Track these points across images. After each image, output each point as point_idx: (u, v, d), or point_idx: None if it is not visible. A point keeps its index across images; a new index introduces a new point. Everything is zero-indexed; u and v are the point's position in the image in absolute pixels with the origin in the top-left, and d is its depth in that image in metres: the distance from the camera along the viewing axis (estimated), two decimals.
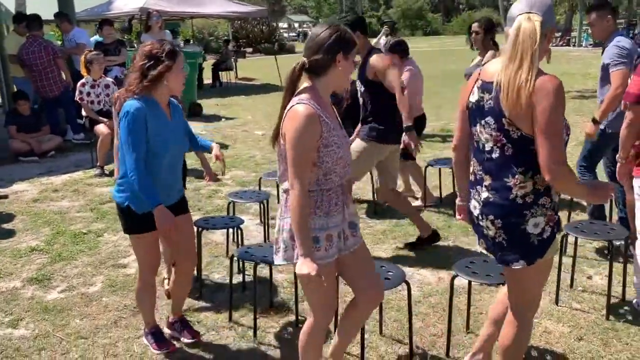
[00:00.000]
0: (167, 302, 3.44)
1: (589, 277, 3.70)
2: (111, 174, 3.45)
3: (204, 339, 3.09)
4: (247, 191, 4.89)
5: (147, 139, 2.61)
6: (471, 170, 2.30)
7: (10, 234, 4.82)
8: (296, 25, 63.60)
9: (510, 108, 2.01)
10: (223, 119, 10.52)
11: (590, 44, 26.43)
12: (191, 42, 20.29)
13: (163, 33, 8.67)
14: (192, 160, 4.64)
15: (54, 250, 4.43)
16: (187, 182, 4.44)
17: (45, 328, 3.26)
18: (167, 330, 3.11)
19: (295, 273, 3.23)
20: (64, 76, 8.20)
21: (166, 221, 2.64)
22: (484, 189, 2.19)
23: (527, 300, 2.31)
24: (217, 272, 3.97)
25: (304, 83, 2.22)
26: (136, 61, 2.66)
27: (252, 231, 4.72)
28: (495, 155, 2.13)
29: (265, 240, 4.40)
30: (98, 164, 6.67)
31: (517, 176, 2.10)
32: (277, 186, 5.12)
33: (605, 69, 3.83)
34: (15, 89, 8.27)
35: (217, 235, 4.52)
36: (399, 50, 5.13)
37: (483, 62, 4.83)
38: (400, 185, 5.56)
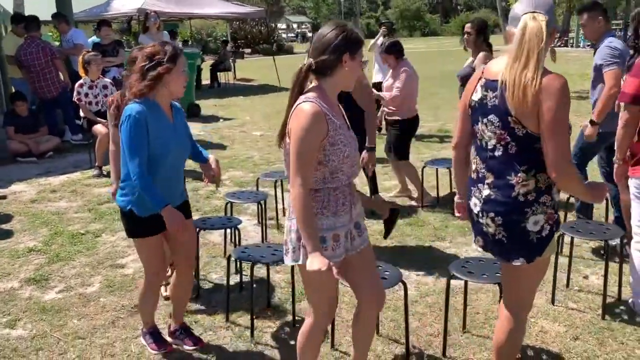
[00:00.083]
0: (163, 303, 3.45)
1: (585, 277, 3.72)
2: (109, 174, 3.45)
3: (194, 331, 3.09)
4: (244, 192, 4.91)
5: (148, 141, 2.60)
6: (473, 168, 2.31)
7: (8, 234, 4.82)
8: (294, 26, 63.64)
9: (516, 106, 2.03)
10: (221, 120, 10.53)
11: (588, 45, 26.45)
12: (189, 42, 20.32)
13: (161, 34, 8.67)
14: (189, 161, 4.64)
15: (51, 251, 4.43)
16: (185, 183, 4.45)
17: (43, 328, 3.27)
18: (168, 339, 3.08)
19: (292, 274, 3.25)
20: (62, 77, 8.21)
21: (175, 220, 2.63)
22: (485, 186, 2.21)
23: (523, 298, 2.33)
24: (214, 273, 3.97)
25: (311, 83, 2.22)
26: (137, 62, 2.65)
27: (250, 232, 4.73)
28: (498, 153, 2.15)
29: (262, 241, 4.41)
30: (96, 164, 6.67)
31: (519, 174, 2.12)
32: (275, 187, 5.15)
33: (597, 69, 3.87)
34: (13, 90, 8.28)
35: (215, 236, 4.53)
36: (395, 51, 5.15)
37: (474, 64, 4.85)
38: (396, 186, 5.58)
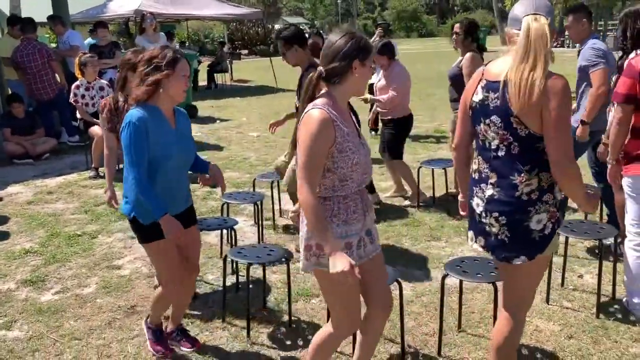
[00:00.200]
0: None
1: (580, 276, 3.74)
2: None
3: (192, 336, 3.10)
4: (241, 192, 4.91)
5: (149, 147, 2.56)
6: (475, 168, 2.33)
7: (4, 236, 4.82)
8: None
9: (520, 106, 2.05)
10: (218, 121, 10.54)
11: None
12: (187, 44, 20.32)
13: (158, 35, 8.68)
14: None
15: (48, 252, 4.43)
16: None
17: (39, 329, 3.27)
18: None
19: (287, 274, 3.26)
20: (58, 79, 8.21)
21: (173, 229, 2.60)
22: (489, 186, 2.22)
23: (522, 297, 2.34)
24: (210, 273, 3.98)
25: (322, 90, 2.22)
26: (138, 67, 2.65)
27: (246, 232, 4.74)
28: (501, 153, 2.17)
29: (259, 242, 4.42)
30: (93, 165, 6.68)
31: (523, 174, 2.14)
32: (272, 187, 5.16)
33: (581, 70, 3.95)
34: (10, 92, 8.27)
35: (212, 237, 4.54)
36: (387, 52, 5.18)
37: (461, 64, 4.88)
38: (391, 187, 5.59)
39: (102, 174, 6.43)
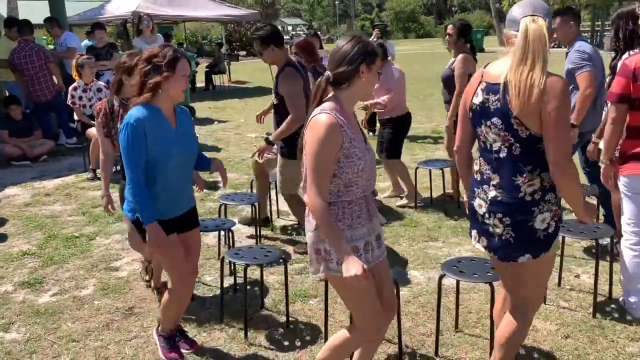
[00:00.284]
0: (157, 306, 3.46)
1: (577, 276, 3.75)
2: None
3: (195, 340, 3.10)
4: (238, 193, 4.92)
5: (147, 147, 2.55)
6: (476, 170, 2.35)
7: (2, 238, 4.82)
8: (289, 28, 63.68)
9: (520, 107, 2.07)
10: (216, 122, 10.54)
11: None
12: (184, 45, 20.33)
13: (155, 36, 8.69)
14: None
15: (45, 254, 4.43)
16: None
17: (37, 331, 3.27)
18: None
19: (285, 275, 3.27)
20: (56, 81, 8.20)
21: (156, 239, 2.58)
22: (491, 187, 2.24)
23: (528, 297, 2.35)
24: (208, 275, 3.98)
25: (330, 94, 2.23)
26: (138, 65, 2.62)
27: (244, 233, 4.74)
28: (503, 154, 2.19)
29: (256, 243, 4.43)
30: (90, 167, 6.67)
31: (525, 175, 2.16)
32: (269, 189, 5.16)
33: (568, 73, 3.98)
34: (7, 94, 8.26)
35: (209, 238, 4.54)
36: (380, 53, 5.20)
37: (453, 65, 4.91)
38: (388, 187, 5.60)
39: (99, 176, 6.41)
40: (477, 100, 2.24)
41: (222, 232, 4.28)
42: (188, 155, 2.75)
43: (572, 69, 3.93)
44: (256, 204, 4.41)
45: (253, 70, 20.76)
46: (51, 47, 11.37)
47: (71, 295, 3.73)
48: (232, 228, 3.93)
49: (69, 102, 6.81)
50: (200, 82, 16.38)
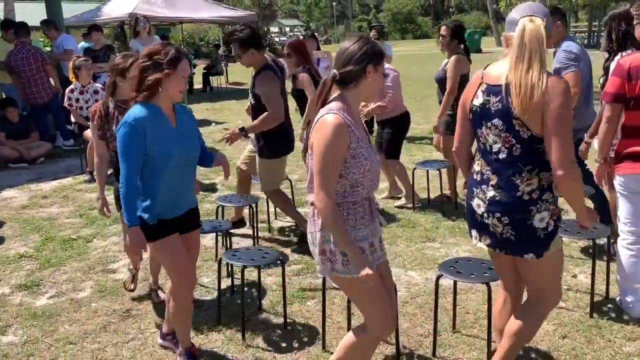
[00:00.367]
0: (155, 307, 3.46)
1: (574, 276, 3.75)
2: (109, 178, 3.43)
3: (192, 342, 3.09)
4: (236, 195, 4.91)
5: (147, 147, 2.51)
6: (476, 170, 2.36)
7: None
8: (287, 29, 63.70)
9: (522, 107, 2.09)
10: (213, 124, 10.53)
11: None
12: (182, 47, 20.32)
13: (152, 38, 8.67)
14: None
15: (43, 257, 4.42)
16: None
17: (34, 334, 3.27)
18: (160, 341, 3.08)
19: (282, 277, 3.26)
20: (52, 83, 8.19)
21: (135, 243, 2.55)
22: (490, 188, 2.26)
23: (542, 290, 2.37)
24: (206, 276, 3.98)
25: (333, 94, 2.23)
26: (138, 60, 2.56)
27: (241, 235, 4.73)
28: (502, 155, 2.21)
29: (254, 244, 4.42)
30: (88, 169, 6.66)
31: (523, 174, 2.18)
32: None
33: (556, 72, 4.00)
34: (4, 96, 8.25)
35: (207, 239, 4.54)
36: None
37: (446, 66, 4.95)
38: (386, 188, 5.60)
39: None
40: (478, 101, 2.25)
41: (220, 234, 4.28)
42: (189, 155, 2.71)
43: (558, 68, 3.97)
44: (253, 205, 4.41)
45: (250, 71, 20.75)
46: (48, 49, 11.34)
47: (68, 297, 3.73)
48: (230, 230, 3.92)
49: (65, 104, 6.80)
50: (197, 84, 16.38)
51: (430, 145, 7.98)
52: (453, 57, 4.88)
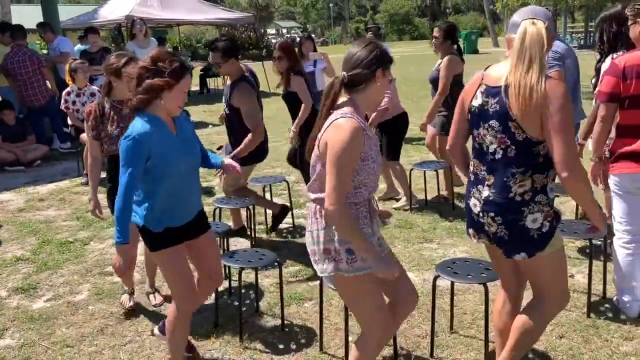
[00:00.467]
0: (153, 310, 3.45)
1: (571, 276, 3.76)
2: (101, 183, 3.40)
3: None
4: (233, 197, 4.91)
5: (150, 158, 2.45)
6: (471, 170, 2.39)
7: None
8: (284, 31, 63.76)
9: (520, 108, 2.10)
10: (210, 126, 10.53)
11: (575, 47, 26.76)
12: (179, 49, 20.33)
13: (149, 40, 8.69)
14: None
15: (39, 260, 4.42)
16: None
17: (31, 337, 3.26)
18: (156, 331, 3.05)
19: (280, 278, 3.26)
20: (49, 85, 8.19)
21: (121, 261, 2.43)
22: (485, 187, 2.28)
23: (543, 290, 2.37)
24: None
25: (342, 97, 2.23)
26: (140, 64, 2.47)
27: (239, 237, 4.73)
28: (498, 156, 2.23)
29: (251, 246, 4.42)
30: (84, 172, 6.65)
31: (516, 175, 2.20)
32: (264, 192, 5.16)
33: None
34: (0, 99, 8.24)
35: None
36: None
37: (440, 67, 4.99)
38: (383, 189, 5.60)
39: None
40: (476, 102, 2.27)
41: (217, 236, 4.27)
42: (192, 160, 2.66)
43: None
44: (251, 207, 4.41)
45: None
46: (44, 51, 11.34)
47: (65, 300, 3.72)
48: (227, 231, 3.92)
49: (62, 106, 6.80)
50: (194, 86, 16.36)
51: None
52: (446, 58, 4.92)
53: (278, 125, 8.67)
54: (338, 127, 2.12)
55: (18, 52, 7.87)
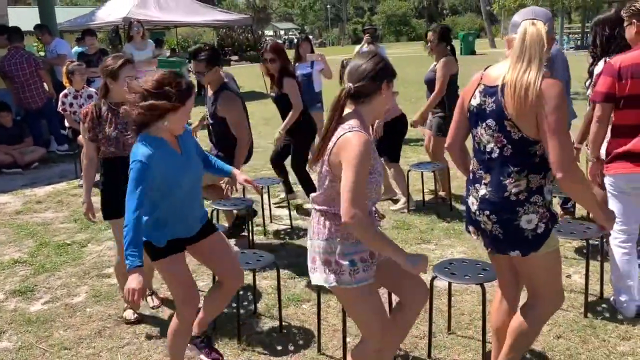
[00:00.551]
0: (152, 312, 3.44)
1: (568, 276, 3.77)
2: (95, 185, 3.38)
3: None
4: (231, 198, 4.91)
5: (158, 181, 2.43)
6: (470, 169, 2.41)
7: None
8: (282, 32, 63.80)
9: (516, 108, 2.11)
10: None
11: (572, 47, 26.82)
12: (176, 51, 20.32)
13: (146, 42, 8.68)
14: None
15: (37, 262, 4.41)
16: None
17: (29, 340, 3.26)
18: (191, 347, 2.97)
19: (277, 280, 3.27)
20: (46, 87, 8.18)
21: (134, 287, 2.27)
22: (482, 186, 2.30)
23: (536, 289, 2.38)
24: (201, 280, 3.97)
25: (346, 109, 2.24)
26: (143, 83, 2.42)
27: (237, 238, 4.72)
28: (494, 155, 2.24)
29: (249, 247, 4.42)
30: (82, 174, 6.64)
31: (512, 175, 2.21)
32: (262, 193, 5.16)
33: None
34: None
35: None
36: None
37: (436, 67, 5.04)
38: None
39: None
40: (475, 102, 2.29)
41: None
42: (195, 176, 2.66)
43: None
44: (248, 209, 4.41)
45: (245, 75, 20.76)
46: (41, 54, 11.33)
47: (63, 302, 3.72)
48: (225, 232, 3.91)
49: (59, 109, 6.79)
50: None
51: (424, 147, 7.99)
52: (442, 60, 4.99)
53: (276, 126, 8.66)
54: (348, 142, 2.12)
55: (15, 55, 7.86)
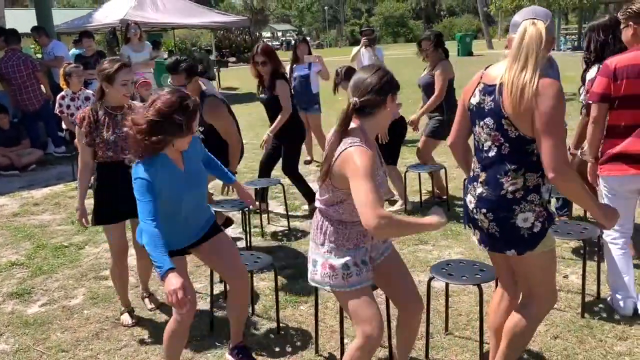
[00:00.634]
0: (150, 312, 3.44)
1: (565, 277, 3.78)
2: (91, 186, 3.37)
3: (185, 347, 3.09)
4: (228, 200, 4.91)
5: (160, 194, 2.41)
6: (472, 167, 2.42)
7: None
8: (279, 34, 63.82)
9: (512, 106, 2.12)
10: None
11: (569, 48, 26.89)
12: (174, 52, 20.34)
13: (143, 44, 8.68)
14: None
15: (34, 264, 4.40)
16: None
17: (26, 342, 3.25)
18: (227, 356, 2.98)
19: (275, 281, 3.26)
20: (43, 89, 8.17)
21: (172, 288, 2.18)
22: (479, 184, 2.31)
23: (531, 289, 2.38)
24: (198, 282, 3.97)
25: (351, 124, 2.24)
26: (149, 104, 2.37)
27: (234, 239, 4.73)
28: (492, 153, 2.25)
29: (246, 249, 4.42)
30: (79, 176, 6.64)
31: (509, 173, 2.21)
32: (260, 202, 5.16)
33: None
34: None
35: None
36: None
37: (436, 72, 5.14)
38: None
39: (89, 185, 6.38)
40: (475, 100, 2.30)
41: None
42: (199, 190, 2.65)
43: None
44: (246, 210, 4.41)
45: (242, 76, 20.76)
46: (39, 56, 11.31)
47: (60, 305, 3.71)
48: None
49: (57, 111, 6.78)
50: None
51: None
52: (440, 64, 5.07)
53: None
54: (350, 157, 2.11)
55: (12, 57, 7.85)
